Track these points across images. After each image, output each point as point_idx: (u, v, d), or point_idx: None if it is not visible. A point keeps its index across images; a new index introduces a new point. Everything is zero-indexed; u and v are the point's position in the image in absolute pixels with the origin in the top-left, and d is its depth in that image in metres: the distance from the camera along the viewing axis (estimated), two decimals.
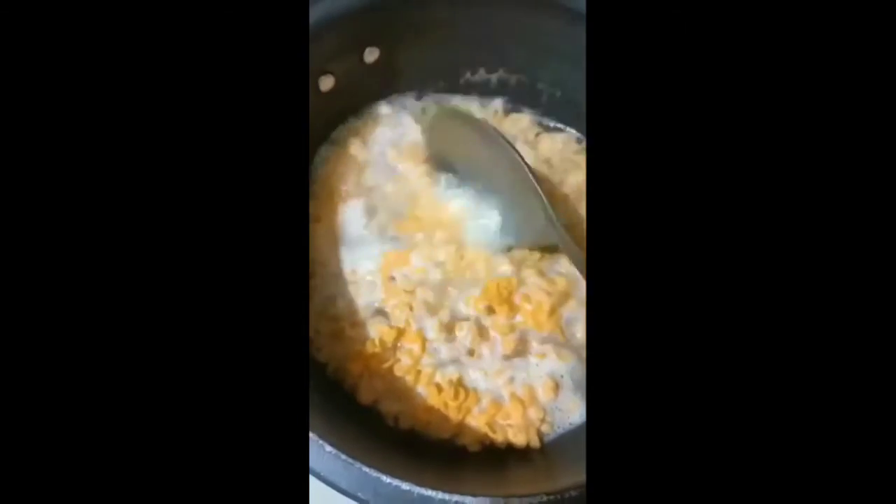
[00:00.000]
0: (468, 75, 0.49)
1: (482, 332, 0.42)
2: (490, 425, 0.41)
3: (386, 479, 0.31)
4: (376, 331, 0.42)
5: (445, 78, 0.49)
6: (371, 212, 0.45)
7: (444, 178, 0.46)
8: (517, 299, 0.43)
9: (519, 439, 0.41)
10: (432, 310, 0.42)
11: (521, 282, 0.43)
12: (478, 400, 0.41)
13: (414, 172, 0.47)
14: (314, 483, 0.31)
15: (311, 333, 0.43)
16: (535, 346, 0.42)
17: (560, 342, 0.42)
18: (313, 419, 0.32)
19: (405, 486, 0.31)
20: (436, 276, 0.43)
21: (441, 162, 0.46)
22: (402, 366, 0.41)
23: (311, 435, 0.31)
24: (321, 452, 0.31)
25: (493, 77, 0.50)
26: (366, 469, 0.31)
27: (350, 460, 0.31)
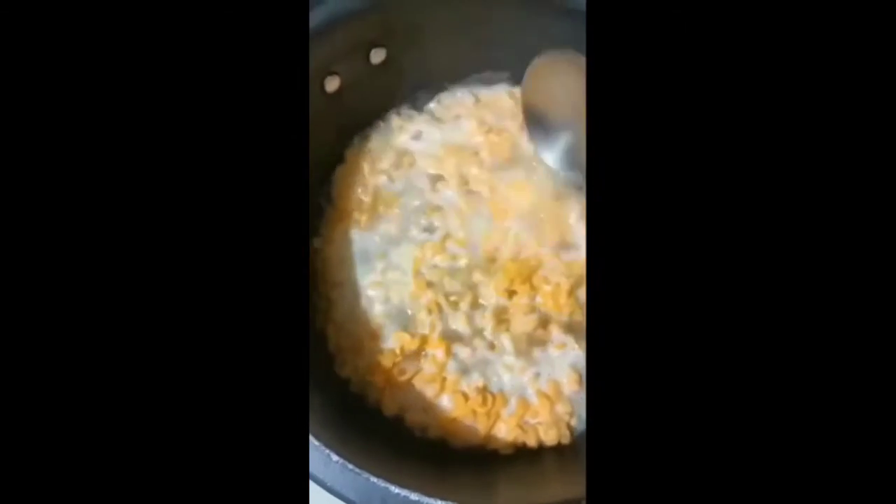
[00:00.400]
0: (475, 76, 0.49)
1: (502, 319, 0.42)
2: (520, 426, 0.40)
3: (394, 489, 0.31)
4: (395, 340, 0.42)
5: (452, 79, 0.49)
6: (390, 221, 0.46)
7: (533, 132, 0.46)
8: (536, 281, 0.43)
9: (550, 437, 0.40)
10: (455, 304, 0.42)
11: (540, 264, 0.43)
12: (506, 402, 0.41)
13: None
14: (322, 494, 0.31)
15: (333, 350, 0.43)
16: (555, 335, 0.42)
17: (579, 325, 0.42)
18: (326, 431, 0.32)
19: (413, 496, 0.30)
20: (462, 261, 0.43)
21: (534, 114, 0.46)
22: (426, 375, 0.41)
23: (317, 444, 0.31)
24: (328, 462, 0.31)
25: (501, 78, 0.49)
26: (373, 479, 0.31)
27: (357, 470, 0.31)
